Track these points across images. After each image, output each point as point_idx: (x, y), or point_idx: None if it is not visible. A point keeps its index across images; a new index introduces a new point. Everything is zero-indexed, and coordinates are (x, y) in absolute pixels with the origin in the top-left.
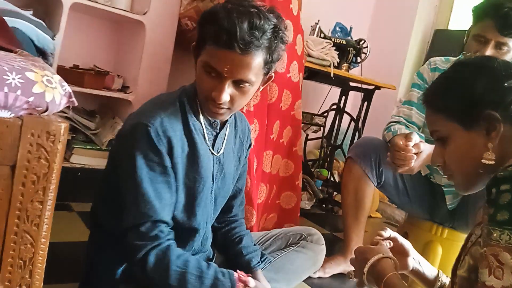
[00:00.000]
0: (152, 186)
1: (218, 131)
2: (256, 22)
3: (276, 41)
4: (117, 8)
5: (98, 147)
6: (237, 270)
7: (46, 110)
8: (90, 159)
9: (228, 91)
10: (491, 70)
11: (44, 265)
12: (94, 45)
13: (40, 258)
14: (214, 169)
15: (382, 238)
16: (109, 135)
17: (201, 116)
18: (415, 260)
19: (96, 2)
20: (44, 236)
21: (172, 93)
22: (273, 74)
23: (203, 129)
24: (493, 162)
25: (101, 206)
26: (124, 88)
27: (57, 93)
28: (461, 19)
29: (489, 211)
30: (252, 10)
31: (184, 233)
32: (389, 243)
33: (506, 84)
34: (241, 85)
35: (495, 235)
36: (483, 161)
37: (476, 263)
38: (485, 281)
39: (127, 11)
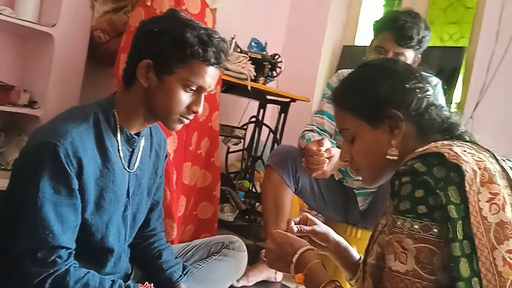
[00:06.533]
0: (54, 210)
1: (134, 147)
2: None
3: None
4: (23, 20)
5: (2, 167)
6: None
7: None
8: None
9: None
10: (394, 72)
11: None
12: None
13: None
14: (131, 185)
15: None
16: (14, 154)
17: (118, 133)
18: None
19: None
20: None
21: (85, 107)
22: None
23: (118, 146)
24: (397, 157)
25: (2, 229)
26: (31, 104)
27: None
28: (366, 36)
29: (393, 202)
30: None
31: (97, 254)
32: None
33: (407, 85)
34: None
35: (398, 223)
36: (387, 157)
37: (383, 250)
38: (391, 266)
39: (34, 23)
